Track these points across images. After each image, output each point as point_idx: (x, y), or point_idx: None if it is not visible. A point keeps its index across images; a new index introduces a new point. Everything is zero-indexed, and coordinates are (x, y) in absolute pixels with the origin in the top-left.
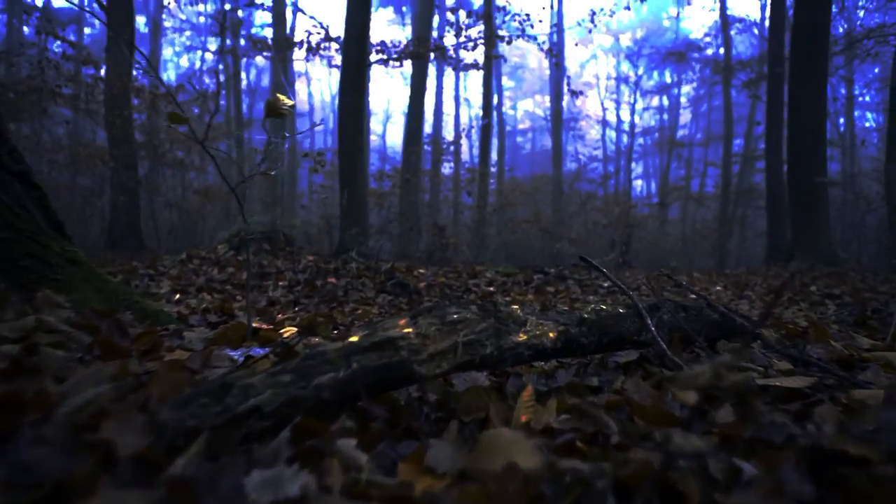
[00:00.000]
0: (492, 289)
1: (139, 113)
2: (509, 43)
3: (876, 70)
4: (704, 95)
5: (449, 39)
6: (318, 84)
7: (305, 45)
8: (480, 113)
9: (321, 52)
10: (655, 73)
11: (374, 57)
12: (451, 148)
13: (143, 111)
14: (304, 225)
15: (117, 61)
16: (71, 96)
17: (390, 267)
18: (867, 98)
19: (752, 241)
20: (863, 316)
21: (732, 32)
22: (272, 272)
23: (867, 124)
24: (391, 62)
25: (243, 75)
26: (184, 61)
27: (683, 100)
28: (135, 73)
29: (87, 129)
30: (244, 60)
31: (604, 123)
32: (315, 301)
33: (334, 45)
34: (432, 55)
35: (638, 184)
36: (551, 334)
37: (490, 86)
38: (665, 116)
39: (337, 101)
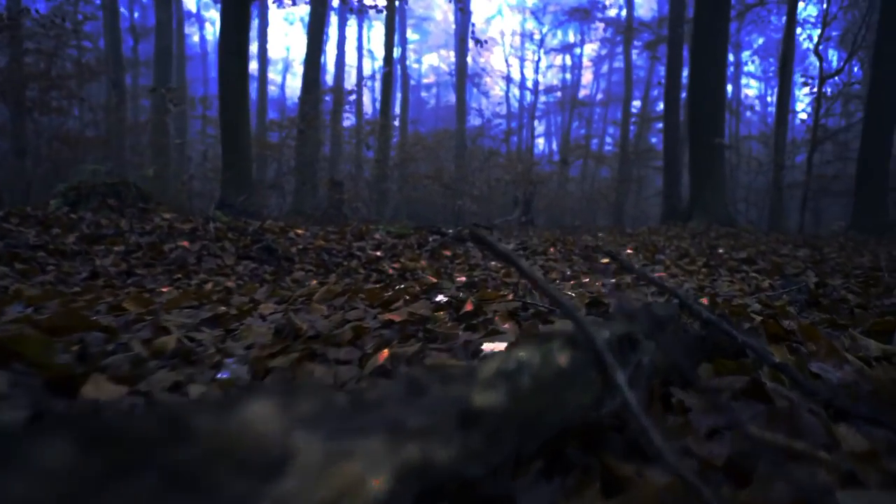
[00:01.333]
0: (379, 253)
1: None
2: None
3: (761, 40)
4: (606, 56)
5: None
6: (211, 27)
7: None
8: (383, 64)
9: None
10: (559, 32)
11: None
12: (352, 98)
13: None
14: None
15: None
16: None
17: (260, 227)
18: (752, 66)
19: (647, 200)
20: (813, 293)
21: None
22: (109, 234)
23: (751, 91)
24: (285, 1)
25: (123, 10)
26: None
27: (586, 60)
28: None
29: None
30: None
31: (507, 80)
32: (157, 271)
33: None
34: None
35: (540, 142)
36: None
37: (392, 32)
38: (568, 76)
39: (218, 42)
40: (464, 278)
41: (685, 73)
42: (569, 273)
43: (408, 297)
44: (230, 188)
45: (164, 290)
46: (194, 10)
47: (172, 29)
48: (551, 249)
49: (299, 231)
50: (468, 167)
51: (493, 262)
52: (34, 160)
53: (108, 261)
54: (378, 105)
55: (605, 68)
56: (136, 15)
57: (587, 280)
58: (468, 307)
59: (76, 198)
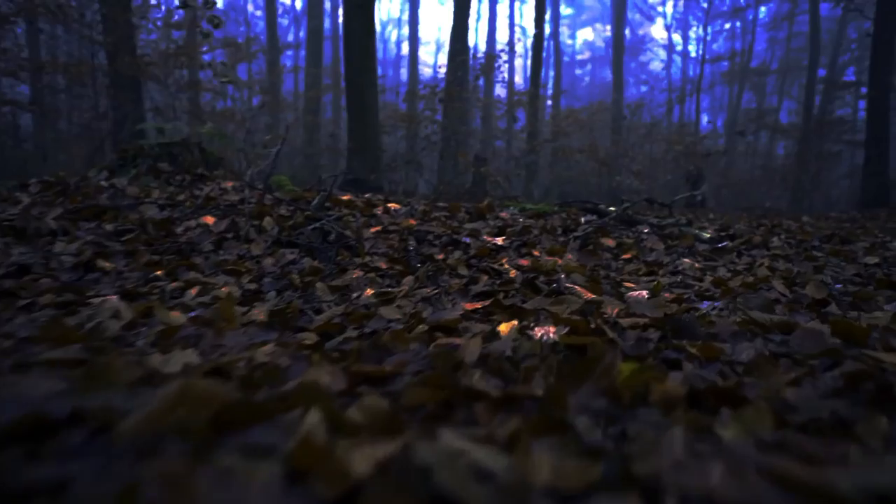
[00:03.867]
0: (500, 241)
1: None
2: None
3: None
4: (786, 14)
5: None
6: None
7: None
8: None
9: None
10: None
11: None
12: (503, 64)
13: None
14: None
15: None
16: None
17: (326, 198)
18: None
19: (831, 180)
20: None
21: None
22: (112, 205)
23: None
24: None
25: None
26: None
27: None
28: None
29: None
30: None
31: (669, 48)
32: (142, 262)
33: None
34: None
35: (703, 118)
36: None
37: None
38: (737, 44)
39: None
40: (644, 294)
41: None
42: (839, 286)
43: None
44: (356, 160)
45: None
46: None
47: (324, 10)
48: (774, 239)
49: (393, 205)
50: (626, 142)
51: (686, 260)
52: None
53: (73, 246)
54: (529, 76)
55: (782, 33)
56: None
57: None
58: None
59: (122, 161)
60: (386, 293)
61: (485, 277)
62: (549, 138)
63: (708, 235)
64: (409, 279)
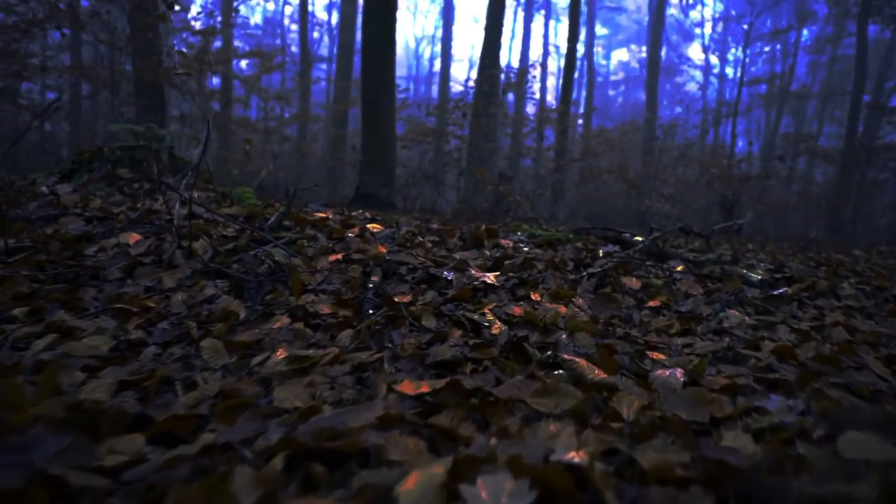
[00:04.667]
0: (491, 279)
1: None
2: None
3: None
4: (830, 36)
5: None
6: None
7: None
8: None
9: None
10: (768, 18)
11: None
12: (532, 79)
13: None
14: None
15: None
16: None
17: (285, 215)
18: None
19: (875, 210)
20: None
21: None
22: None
23: None
24: None
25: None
26: None
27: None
28: None
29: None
30: None
31: (706, 70)
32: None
33: None
34: None
35: (738, 142)
36: None
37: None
38: (777, 67)
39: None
40: (679, 374)
41: None
42: None
43: None
44: (368, 175)
45: None
46: None
47: (356, 24)
48: (843, 285)
49: (374, 227)
50: (658, 163)
51: (734, 311)
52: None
53: None
54: (559, 93)
55: (825, 57)
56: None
57: None
58: None
59: (75, 165)
60: (305, 358)
61: (457, 333)
62: (577, 158)
63: (759, 277)
64: (347, 334)
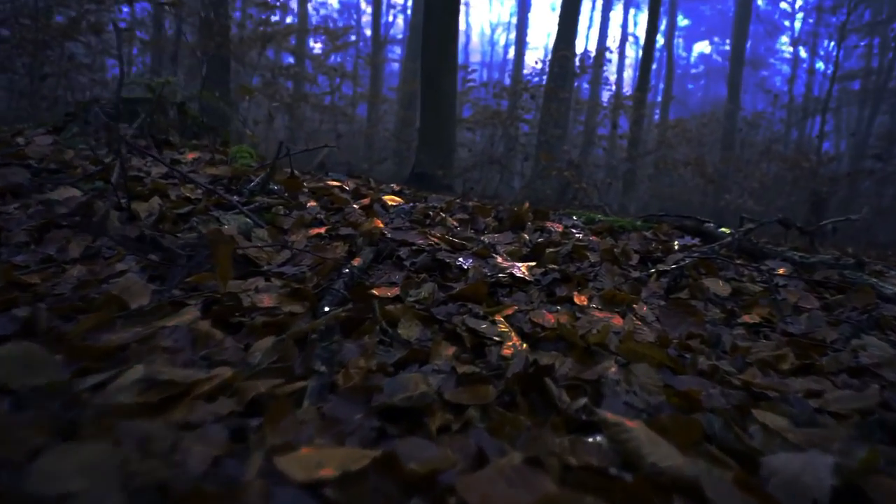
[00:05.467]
0: (522, 270)
1: None
2: None
3: None
4: None
5: None
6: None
7: None
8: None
9: None
10: (866, 8)
11: None
12: (608, 63)
13: None
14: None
15: None
16: None
17: (269, 178)
18: None
19: None
20: None
21: None
22: None
23: None
24: None
25: None
26: None
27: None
28: None
29: None
30: None
31: (794, 64)
32: None
33: None
34: None
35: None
36: None
37: None
38: (873, 62)
39: None
40: (826, 465)
41: None
42: None
43: None
44: (424, 154)
45: None
46: None
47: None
48: None
49: (392, 199)
50: (739, 159)
51: (871, 337)
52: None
53: None
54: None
55: None
56: None
57: None
58: None
59: (69, 118)
60: (169, 384)
61: (447, 351)
62: (651, 149)
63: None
64: (266, 344)
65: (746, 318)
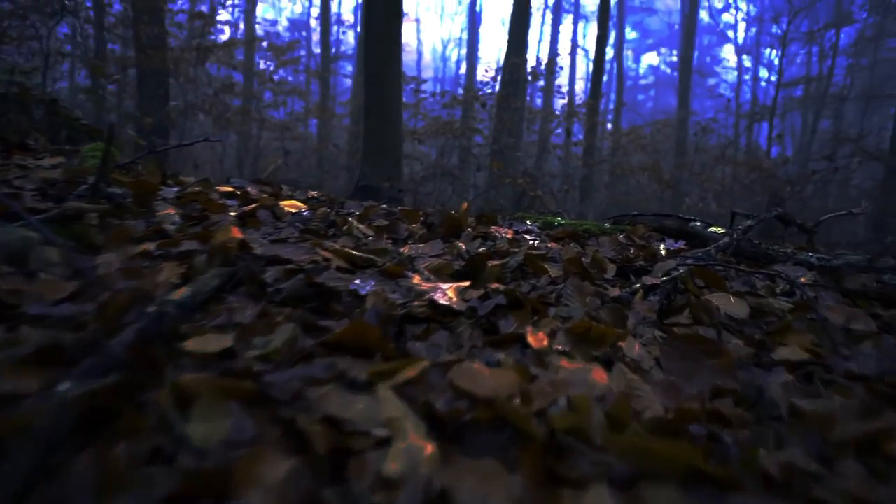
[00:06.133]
0: (449, 294)
1: None
2: None
3: None
4: (871, 38)
5: None
6: None
7: None
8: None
9: None
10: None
11: None
12: (560, 69)
13: None
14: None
15: None
16: None
17: (103, 177)
18: None
19: None
20: None
21: None
22: None
23: None
24: None
25: None
26: None
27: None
28: None
29: None
30: None
31: (739, 71)
32: None
33: None
34: None
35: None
36: None
37: None
38: (814, 69)
39: None
40: None
41: None
42: None
43: None
44: (369, 165)
45: None
46: None
47: None
48: None
49: (289, 204)
50: (694, 163)
51: None
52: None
53: None
54: (589, 86)
55: (865, 60)
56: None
57: None
58: None
59: None
60: None
61: (273, 472)
62: (606, 156)
63: None
64: None
65: (785, 353)
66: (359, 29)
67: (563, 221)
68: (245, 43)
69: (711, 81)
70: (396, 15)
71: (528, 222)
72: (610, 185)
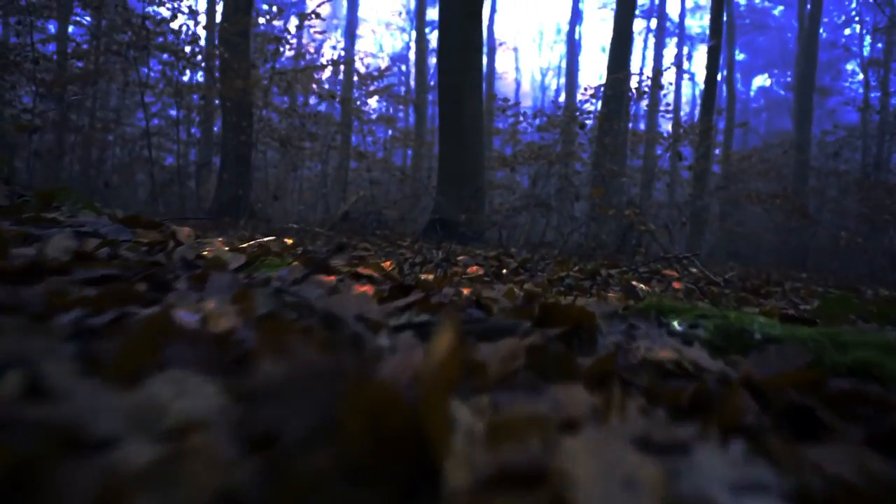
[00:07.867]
0: None
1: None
2: None
3: None
4: None
5: None
6: None
7: None
8: (709, 38)
9: None
10: None
11: None
12: (669, 84)
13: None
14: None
15: None
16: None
17: None
18: None
19: None
20: None
21: None
22: None
23: None
24: None
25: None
26: None
27: None
28: None
29: None
30: None
31: (866, 88)
32: None
33: None
34: None
35: None
36: None
37: None
38: None
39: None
40: None
41: None
42: None
43: None
44: (445, 195)
45: None
46: None
47: None
48: None
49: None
50: (819, 192)
51: None
52: None
53: None
54: (700, 105)
55: None
56: None
57: None
58: None
59: None
60: None
61: None
62: (722, 184)
63: None
64: None
65: None
66: None
67: (736, 316)
68: (316, 67)
69: (832, 102)
70: (474, 16)
71: (676, 323)
72: (723, 217)
